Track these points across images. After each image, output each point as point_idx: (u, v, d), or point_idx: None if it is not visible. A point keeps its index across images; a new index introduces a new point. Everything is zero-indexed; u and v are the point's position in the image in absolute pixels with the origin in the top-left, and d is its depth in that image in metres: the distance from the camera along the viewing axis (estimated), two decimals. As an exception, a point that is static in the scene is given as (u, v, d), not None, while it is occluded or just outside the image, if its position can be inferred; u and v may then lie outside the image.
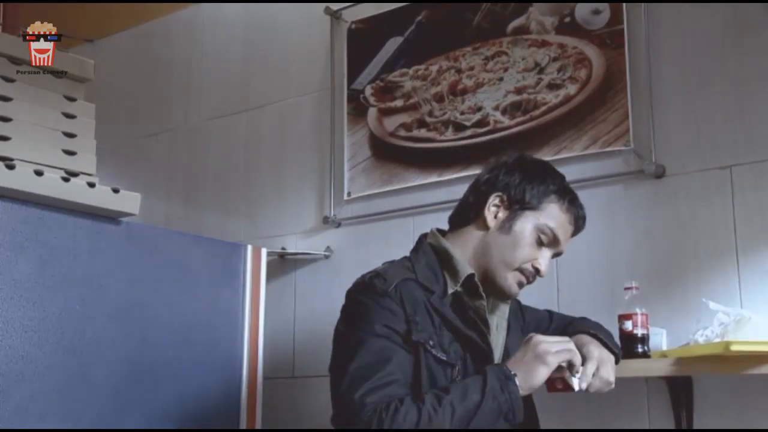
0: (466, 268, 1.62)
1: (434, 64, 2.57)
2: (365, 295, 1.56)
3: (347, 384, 1.46)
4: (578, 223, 1.69)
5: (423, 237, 1.72)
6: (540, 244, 1.63)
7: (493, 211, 1.65)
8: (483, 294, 1.61)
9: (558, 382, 1.53)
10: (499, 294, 1.66)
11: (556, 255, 1.68)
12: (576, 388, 1.51)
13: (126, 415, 2.05)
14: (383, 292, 1.54)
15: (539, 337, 1.51)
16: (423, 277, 1.60)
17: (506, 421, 1.45)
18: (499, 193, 1.65)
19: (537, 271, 1.64)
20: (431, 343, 1.53)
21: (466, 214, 1.69)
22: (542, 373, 1.48)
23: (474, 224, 1.67)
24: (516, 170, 1.66)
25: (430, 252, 1.66)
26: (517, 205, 1.64)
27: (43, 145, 2.03)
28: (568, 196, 1.66)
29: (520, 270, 1.63)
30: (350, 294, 1.61)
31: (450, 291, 1.60)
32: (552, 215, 1.63)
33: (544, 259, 1.64)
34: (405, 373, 1.50)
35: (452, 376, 1.53)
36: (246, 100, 3.00)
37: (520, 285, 1.65)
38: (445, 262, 1.64)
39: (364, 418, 1.41)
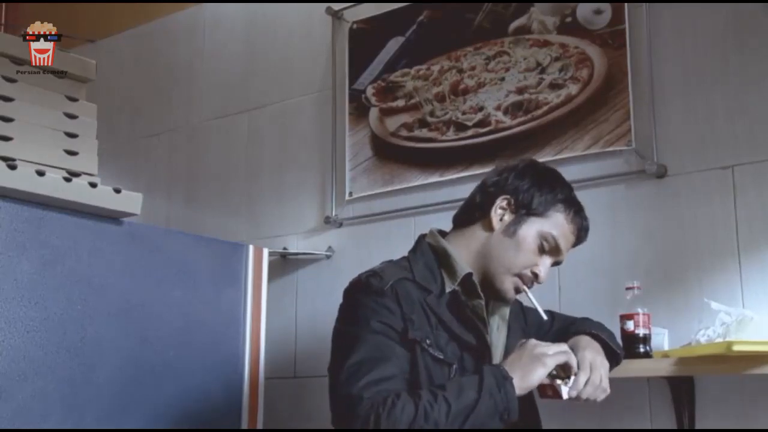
0: (464, 267, 1.61)
1: (436, 64, 2.57)
2: (362, 294, 1.56)
3: (344, 378, 1.47)
4: (581, 234, 1.69)
5: (422, 237, 1.72)
6: (542, 251, 1.64)
7: (499, 213, 1.65)
8: (481, 293, 1.61)
9: (548, 388, 1.53)
10: (496, 297, 1.66)
11: (556, 263, 1.68)
12: (565, 396, 1.51)
13: (128, 415, 2.05)
14: (379, 291, 1.54)
15: (534, 341, 1.52)
16: (420, 277, 1.60)
17: (501, 421, 1.45)
18: (507, 196, 1.65)
19: (535, 277, 1.64)
20: (428, 342, 1.53)
21: (472, 213, 1.69)
22: (539, 373, 1.48)
23: (479, 224, 1.67)
24: (526, 175, 1.67)
25: (429, 251, 1.66)
26: (523, 210, 1.64)
27: (44, 146, 2.03)
28: (574, 207, 1.67)
29: (519, 275, 1.63)
30: (347, 293, 1.62)
31: (447, 290, 1.60)
32: (557, 224, 1.64)
33: (544, 266, 1.64)
34: (402, 369, 1.50)
35: (449, 376, 1.53)
36: (247, 100, 3.00)
37: (517, 290, 1.65)
38: (443, 261, 1.64)
39: (360, 412, 1.41)
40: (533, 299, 1.65)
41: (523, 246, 1.62)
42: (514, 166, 1.70)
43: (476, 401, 1.42)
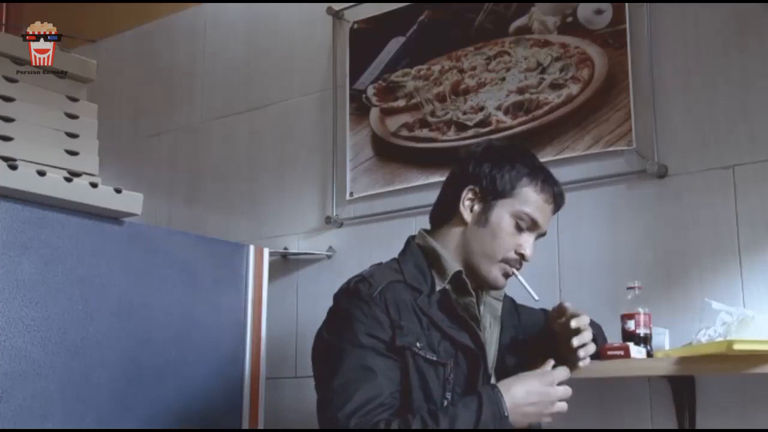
0: (453, 265, 1.61)
1: (436, 64, 2.57)
2: (350, 302, 1.56)
3: (329, 400, 1.47)
4: (556, 200, 1.66)
5: (411, 238, 1.72)
6: (519, 230, 1.61)
7: (468, 205, 1.63)
8: (472, 291, 1.61)
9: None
10: (487, 288, 1.66)
11: (540, 236, 1.66)
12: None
13: (128, 415, 2.05)
14: (368, 298, 1.53)
15: (555, 395, 1.51)
16: (411, 278, 1.60)
17: None
18: (471, 186, 1.63)
19: (522, 257, 1.62)
20: (419, 345, 1.52)
21: (445, 211, 1.67)
22: (537, 420, 1.52)
23: (453, 221, 1.66)
24: (485, 160, 1.64)
25: (418, 252, 1.66)
26: (490, 196, 1.62)
27: (45, 146, 2.03)
28: (540, 175, 1.63)
29: (505, 260, 1.62)
30: (336, 299, 1.62)
31: (438, 289, 1.59)
32: (527, 199, 1.61)
33: (527, 243, 1.62)
34: (391, 382, 1.49)
35: (444, 375, 1.53)
36: (248, 100, 3.00)
37: (506, 275, 1.63)
38: (434, 260, 1.63)
39: None
40: (522, 280, 1.63)
41: (498, 231, 1.60)
42: (473, 152, 1.68)
43: None
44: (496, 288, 1.66)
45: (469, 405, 1.45)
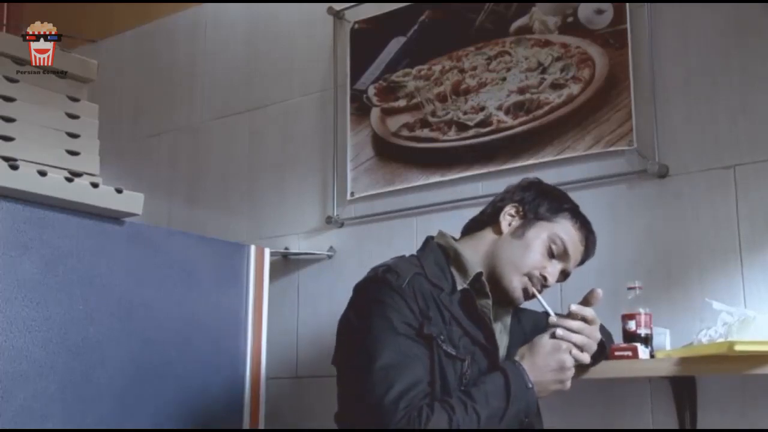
0: (475, 266, 1.64)
1: (437, 64, 2.57)
2: (380, 290, 1.56)
3: (373, 384, 1.47)
4: (588, 244, 1.73)
5: (430, 238, 1.74)
6: (550, 255, 1.67)
7: (508, 219, 1.70)
8: (489, 293, 1.63)
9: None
10: (504, 299, 1.67)
11: (563, 275, 1.71)
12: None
13: (129, 415, 2.05)
14: (398, 287, 1.55)
15: (569, 360, 1.54)
16: (431, 274, 1.62)
17: (520, 423, 1.51)
18: (515, 204, 1.71)
19: (544, 279, 1.66)
20: (442, 337, 1.54)
21: (481, 222, 1.74)
22: (556, 391, 1.55)
23: (488, 229, 1.72)
24: (532, 188, 1.74)
25: (438, 250, 1.68)
26: (531, 215, 1.69)
27: (46, 146, 2.03)
28: (580, 217, 1.72)
29: (529, 275, 1.65)
30: (362, 288, 1.62)
31: (459, 288, 1.61)
32: (565, 229, 1.68)
33: (553, 269, 1.67)
34: (426, 369, 1.51)
35: (462, 371, 1.54)
36: (249, 100, 3.00)
37: (525, 293, 1.66)
38: (454, 259, 1.66)
39: (396, 425, 1.42)
40: (542, 300, 1.66)
41: (532, 246, 1.66)
42: (519, 183, 1.77)
43: (504, 411, 1.47)
44: (513, 302, 1.69)
45: (496, 380, 1.50)
